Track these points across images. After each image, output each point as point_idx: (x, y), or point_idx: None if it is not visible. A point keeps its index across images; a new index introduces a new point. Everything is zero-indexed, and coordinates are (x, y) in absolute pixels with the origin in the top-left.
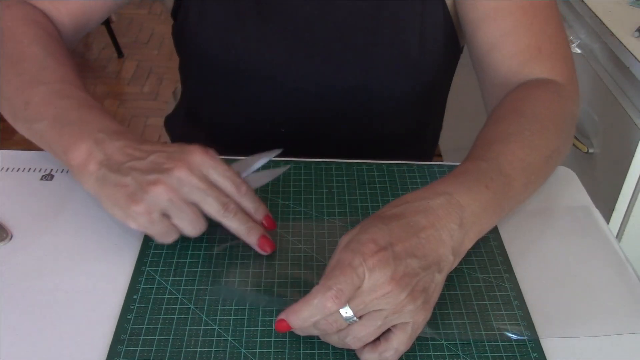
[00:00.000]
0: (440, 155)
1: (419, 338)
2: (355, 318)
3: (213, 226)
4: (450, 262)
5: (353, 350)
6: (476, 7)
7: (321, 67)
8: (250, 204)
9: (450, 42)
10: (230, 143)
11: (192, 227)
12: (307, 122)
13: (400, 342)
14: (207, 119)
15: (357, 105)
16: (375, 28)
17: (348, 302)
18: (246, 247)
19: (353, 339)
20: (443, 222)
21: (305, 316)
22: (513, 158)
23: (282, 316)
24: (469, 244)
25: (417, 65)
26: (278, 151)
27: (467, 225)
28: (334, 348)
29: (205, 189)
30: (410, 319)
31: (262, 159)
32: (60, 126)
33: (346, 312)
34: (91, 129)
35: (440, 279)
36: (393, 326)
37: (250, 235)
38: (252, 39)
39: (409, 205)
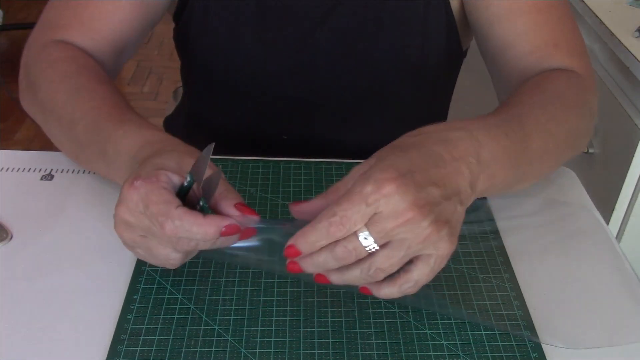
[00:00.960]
0: None
1: (419, 338)
2: (375, 245)
3: None
4: (469, 195)
5: (353, 350)
6: (490, 6)
7: (323, 73)
8: (187, 234)
9: (453, 46)
10: (231, 147)
11: (166, 265)
12: (309, 128)
13: (421, 273)
14: (208, 124)
15: (359, 111)
16: (377, 33)
17: (367, 228)
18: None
19: (376, 271)
20: (462, 154)
21: (312, 239)
22: (535, 121)
23: (291, 241)
24: (482, 185)
25: (420, 70)
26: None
27: (483, 163)
28: (334, 348)
29: (135, 244)
30: (434, 250)
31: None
32: (105, 166)
33: (365, 237)
34: (116, 175)
35: (461, 210)
36: (415, 257)
37: (219, 243)
38: (254, 46)
39: (427, 136)
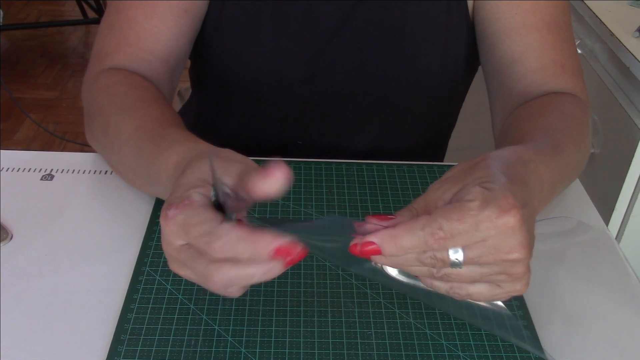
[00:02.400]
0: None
1: (419, 338)
2: (461, 262)
3: None
4: None
5: (353, 350)
6: (500, 19)
7: (340, 79)
8: (236, 251)
9: (471, 56)
10: (243, 152)
11: (229, 295)
12: (324, 134)
13: (479, 293)
14: (219, 127)
15: (374, 118)
16: (398, 39)
17: (464, 247)
18: None
19: (457, 291)
20: (535, 190)
21: (405, 245)
22: (567, 152)
23: (372, 238)
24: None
25: (438, 79)
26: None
27: (542, 203)
28: (334, 348)
29: (195, 278)
30: (509, 287)
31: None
32: (154, 190)
33: (456, 258)
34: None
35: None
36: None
37: (269, 274)
38: (270, 51)
39: (521, 167)
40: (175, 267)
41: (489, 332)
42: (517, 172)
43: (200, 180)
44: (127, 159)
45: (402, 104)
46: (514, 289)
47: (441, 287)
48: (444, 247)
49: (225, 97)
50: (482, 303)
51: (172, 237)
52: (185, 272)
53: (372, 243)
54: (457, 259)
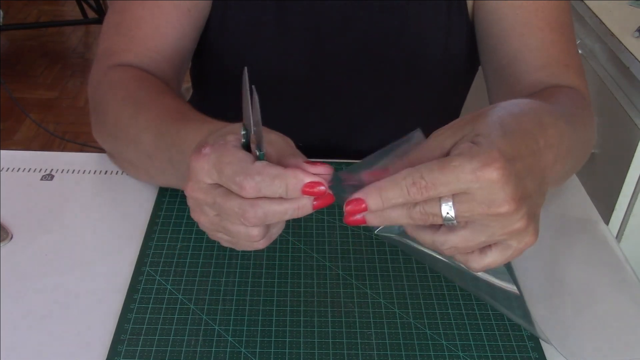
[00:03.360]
0: None
1: (419, 338)
2: (454, 221)
3: None
4: (548, 184)
5: (353, 350)
6: (503, 20)
7: (342, 80)
8: (270, 189)
9: (472, 56)
10: None
11: (252, 247)
12: (326, 134)
13: (494, 260)
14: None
15: (375, 118)
16: (400, 38)
17: (453, 202)
18: None
19: (450, 249)
20: (552, 142)
21: (389, 196)
22: (578, 122)
23: (359, 195)
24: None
25: (439, 79)
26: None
27: (562, 153)
28: (334, 348)
29: (214, 227)
30: (517, 243)
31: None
32: (175, 172)
33: (447, 212)
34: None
35: (543, 201)
36: (493, 243)
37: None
38: (272, 50)
39: (525, 115)
40: (197, 214)
41: (504, 312)
42: (522, 122)
43: (232, 132)
44: (145, 147)
45: (404, 103)
46: (523, 243)
47: (456, 258)
48: (426, 196)
49: (226, 97)
50: (498, 283)
51: (203, 174)
52: (206, 219)
53: (360, 200)
54: (447, 213)
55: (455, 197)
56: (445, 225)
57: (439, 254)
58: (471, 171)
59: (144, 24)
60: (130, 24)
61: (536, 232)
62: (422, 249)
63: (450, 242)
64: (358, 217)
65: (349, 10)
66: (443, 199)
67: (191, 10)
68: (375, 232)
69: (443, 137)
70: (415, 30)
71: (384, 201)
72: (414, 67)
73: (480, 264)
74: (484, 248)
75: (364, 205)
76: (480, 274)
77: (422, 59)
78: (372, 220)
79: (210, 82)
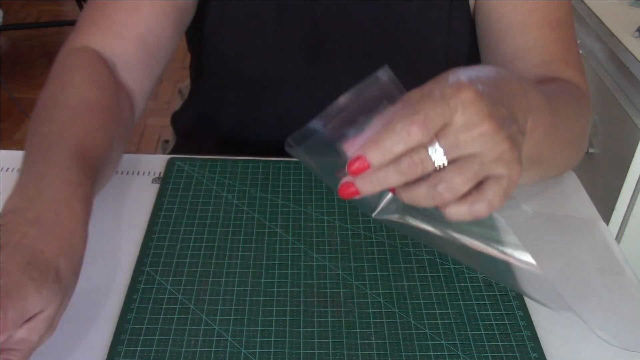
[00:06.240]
0: None
1: (419, 338)
2: (444, 160)
3: (214, 227)
4: (523, 133)
5: (353, 350)
6: (502, 18)
7: (341, 75)
8: None
9: (473, 55)
10: (243, 148)
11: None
12: None
13: (495, 194)
14: (218, 125)
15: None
16: (399, 40)
17: (438, 140)
18: (246, 246)
19: (446, 188)
20: (523, 90)
21: (388, 145)
22: (562, 102)
23: (359, 152)
24: (531, 132)
25: (443, 63)
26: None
27: (532, 107)
28: (334, 348)
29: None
30: (507, 170)
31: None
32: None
33: (435, 149)
34: None
35: (522, 140)
36: (485, 179)
37: None
38: (271, 46)
39: (499, 69)
40: None
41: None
42: (483, 66)
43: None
44: (26, 148)
45: None
46: (514, 171)
47: (460, 211)
48: (427, 134)
49: (224, 94)
50: (515, 258)
51: None
52: None
53: (361, 158)
54: (435, 152)
55: (437, 135)
56: (436, 170)
57: (441, 228)
58: (452, 95)
59: (124, 4)
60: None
61: (521, 162)
62: (423, 225)
63: (443, 180)
64: (351, 189)
65: (348, 9)
66: (429, 144)
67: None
68: (374, 215)
69: (414, 92)
70: (415, 28)
71: (385, 153)
72: (414, 65)
73: (484, 202)
74: (480, 186)
75: (366, 163)
76: (480, 244)
77: (422, 57)
78: (364, 186)
79: (208, 78)
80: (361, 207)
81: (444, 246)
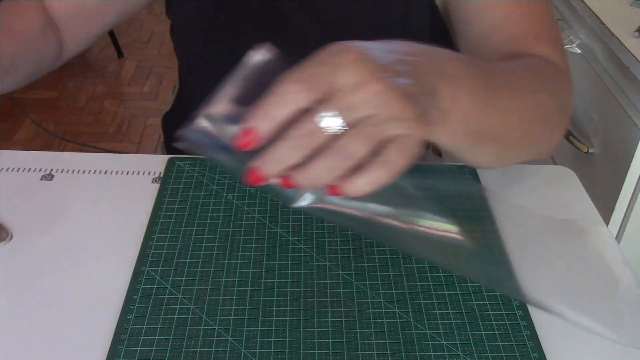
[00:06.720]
0: (440, 155)
1: (419, 338)
2: (337, 127)
3: (214, 227)
4: (432, 96)
5: (353, 350)
6: (468, 2)
7: (302, 57)
8: None
9: (440, 43)
10: None
11: None
12: None
13: (395, 155)
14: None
15: None
16: (360, 29)
17: (326, 105)
18: (246, 246)
19: (340, 154)
20: (434, 54)
21: (272, 109)
22: (504, 72)
23: (247, 124)
24: (446, 98)
25: None
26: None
27: (447, 75)
28: (334, 348)
29: None
30: (406, 129)
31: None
32: None
33: (324, 115)
34: None
35: (431, 100)
36: (386, 141)
37: None
38: (240, 44)
39: (410, 42)
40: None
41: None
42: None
43: None
44: None
45: None
46: (414, 130)
47: (361, 181)
48: (313, 94)
49: (200, 88)
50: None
51: None
52: None
53: (249, 130)
54: (324, 118)
55: (325, 101)
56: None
57: (362, 204)
58: (335, 55)
59: None
60: None
61: (427, 123)
62: (345, 209)
63: (339, 145)
64: (256, 173)
65: (304, 4)
66: (315, 111)
67: None
68: (293, 205)
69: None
70: (373, 16)
71: (270, 118)
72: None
73: (389, 165)
74: (382, 149)
75: (254, 132)
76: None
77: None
78: (267, 167)
79: (187, 75)
80: (281, 199)
81: (374, 229)
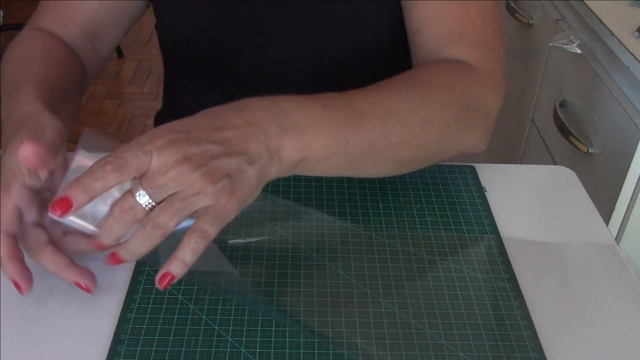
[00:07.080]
0: None
1: (419, 338)
2: (152, 202)
3: None
4: (266, 159)
5: (353, 350)
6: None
7: (278, 53)
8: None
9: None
10: None
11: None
12: None
13: (204, 221)
14: (184, 111)
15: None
16: (334, 29)
17: (142, 185)
18: (246, 246)
19: (153, 226)
20: (258, 119)
21: (86, 182)
22: (373, 100)
23: (63, 192)
24: (293, 151)
25: (376, 47)
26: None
27: (288, 130)
28: (334, 348)
29: None
30: (212, 200)
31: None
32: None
33: (140, 194)
34: None
35: (252, 172)
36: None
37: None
38: (211, 27)
39: (228, 105)
40: None
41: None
42: (206, 112)
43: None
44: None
45: (341, 79)
46: (221, 200)
47: (183, 252)
48: (122, 174)
49: (183, 81)
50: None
51: None
52: None
53: (65, 198)
54: (141, 197)
55: (142, 180)
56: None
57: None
58: (146, 143)
59: None
60: None
61: (232, 191)
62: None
63: (151, 219)
64: (115, 253)
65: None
66: (134, 189)
67: None
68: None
69: None
70: (342, 18)
71: (85, 189)
72: (347, 36)
73: (198, 232)
74: (197, 219)
75: (68, 200)
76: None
77: (354, 28)
78: (104, 237)
79: (168, 67)
80: (152, 264)
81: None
